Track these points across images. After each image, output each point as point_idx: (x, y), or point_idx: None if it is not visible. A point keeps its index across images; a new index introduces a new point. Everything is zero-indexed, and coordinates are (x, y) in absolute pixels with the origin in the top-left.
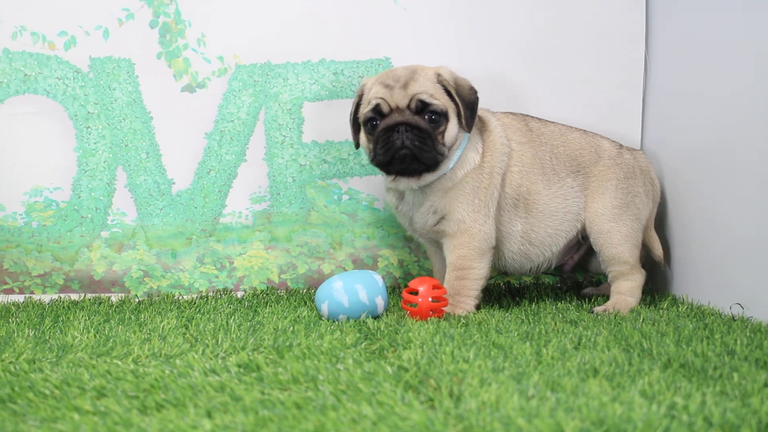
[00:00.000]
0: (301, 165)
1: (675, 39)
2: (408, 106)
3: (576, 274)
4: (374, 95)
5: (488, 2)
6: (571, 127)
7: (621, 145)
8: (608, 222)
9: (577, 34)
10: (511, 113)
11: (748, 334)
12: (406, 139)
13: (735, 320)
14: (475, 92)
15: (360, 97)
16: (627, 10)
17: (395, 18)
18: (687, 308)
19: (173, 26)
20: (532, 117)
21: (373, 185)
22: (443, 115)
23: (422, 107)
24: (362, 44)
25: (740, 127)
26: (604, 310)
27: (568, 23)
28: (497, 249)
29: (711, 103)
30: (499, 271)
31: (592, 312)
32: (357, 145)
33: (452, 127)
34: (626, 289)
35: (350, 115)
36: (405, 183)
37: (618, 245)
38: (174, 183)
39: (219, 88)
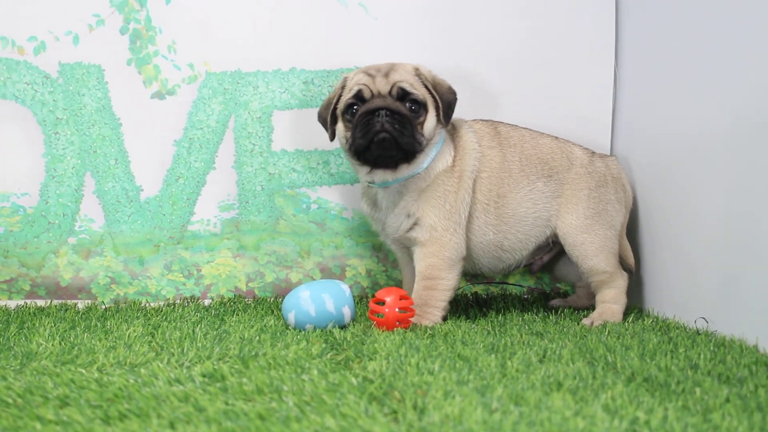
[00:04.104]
0: (270, 173)
1: (644, 50)
2: (389, 93)
3: (543, 285)
4: (356, 82)
5: (460, 12)
6: (542, 132)
7: (593, 153)
8: (581, 234)
9: (549, 45)
10: (480, 120)
11: (711, 348)
12: (386, 123)
13: (699, 334)
14: (454, 93)
15: (342, 89)
16: (598, 23)
17: (366, 27)
18: (652, 321)
19: (144, 33)
20: (502, 123)
21: (342, 194)
22: (423, 106)
23: (403, 95)
24: (333, 53)
25: (707, 137)
26: (591, 323)
27: (540, 35)
28: (471, 258)
29: (680, 114)
30: (472, 272)
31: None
32: (332, 137)
33: (431, 120)
34: (610, 297)
35: (324, 107)
36: (381, 175)
37: (593, 257)
38: (142, 190)
39: (189, 96)
